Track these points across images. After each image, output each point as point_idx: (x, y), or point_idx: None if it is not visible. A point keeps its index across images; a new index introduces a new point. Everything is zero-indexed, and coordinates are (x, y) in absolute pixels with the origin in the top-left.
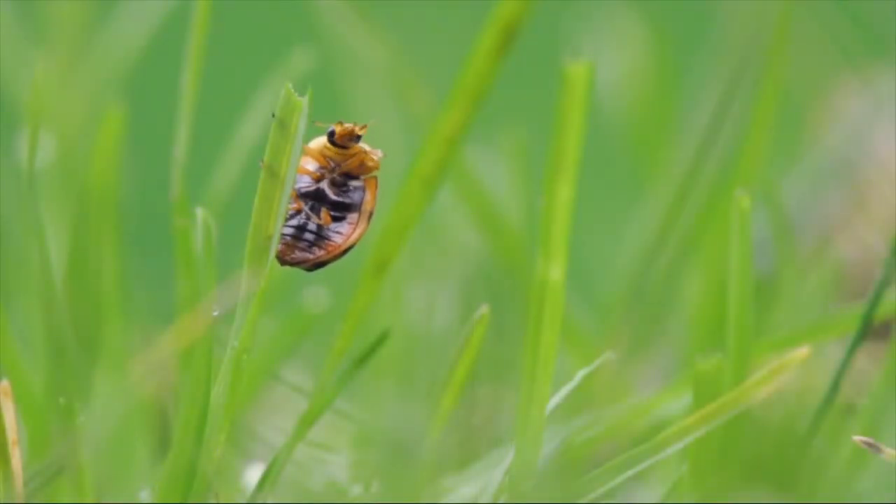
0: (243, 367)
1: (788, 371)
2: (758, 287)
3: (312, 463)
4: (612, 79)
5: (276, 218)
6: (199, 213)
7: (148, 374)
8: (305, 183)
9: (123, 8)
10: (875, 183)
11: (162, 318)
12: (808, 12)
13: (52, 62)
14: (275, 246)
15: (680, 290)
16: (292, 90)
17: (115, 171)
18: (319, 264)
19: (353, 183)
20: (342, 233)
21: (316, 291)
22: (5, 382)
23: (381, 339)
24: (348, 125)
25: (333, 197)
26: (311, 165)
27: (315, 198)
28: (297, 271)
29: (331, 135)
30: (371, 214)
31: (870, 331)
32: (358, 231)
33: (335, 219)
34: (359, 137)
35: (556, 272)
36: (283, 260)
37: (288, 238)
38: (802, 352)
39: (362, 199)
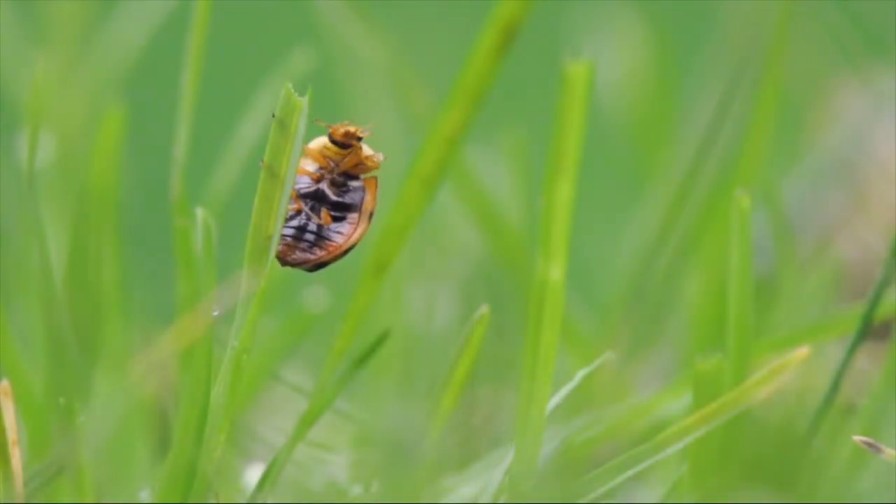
0: (243, 367)
1: (788, 371)
2: (758, 287)
3: (312, 463)
4: (612, 79)
5: (276, 218)
6: (199, 213)
7: (148, 374)
8: (305, 183)
9: (123, 8)
10: (875, 183)
11: (162, 318)
12: (808, 12)
13: (52, 62)
14: (275, 246)
15: (680, 290)
16: (292, 90)
17: (115, 171)
18: (321, 265)
19: (353, 183)
20: (343, 233)
21: (316, 291)
22: (5, 382)
23: (381, 339)
24: (349, 126)
25: (333, 197)
26: (310, 166)
27: (315, 198)
28: (296, 271)
29: (332, 134)
30: (372, 214)
31: (870, 331)
32: (359, 231)
33: (335, 219)
34: (359, 138)
35: (556, 272)
36: (284, 261)
37: (289, 239)
38: (802, 352)
39: (362, 199)
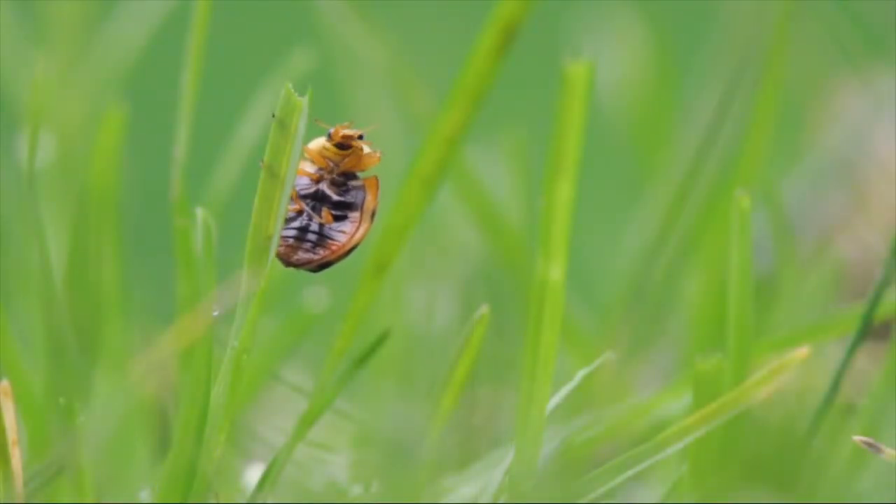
0: (243, 367)
1: (788, 371)
2: (758, 287)
3: (312, 463)
4: (612, 79)
5: (276, 218)
6: (199, 213)
7: (148, 374)
8: (305, 184)
9: (123, 8)
10: (875, 183)
11: (162, 318)
12: (808, 12)
13: (52, 62)
14: (275, 246)
15: (680, 290)
16: (292, 90)
17: (115, 171)
18: (324, 265)
19: (353, 182)
20: (345, 232)
21: (316, 291)
22: (5, 382)
23: (381, 339)
24: (348, 130)
25: (334, 196)
26: (310, 167)
27: (315, 198)
28: (297, 271)
29: (331, 136)
30: (374, 213)
31: (870, 331)
32: (361, 230)
33: (337, 218)
34: (360, 137)
35: (556, 272)
36: (287, 262)
37: (291, 240)
38: (802, 352)
39: (363, 198)
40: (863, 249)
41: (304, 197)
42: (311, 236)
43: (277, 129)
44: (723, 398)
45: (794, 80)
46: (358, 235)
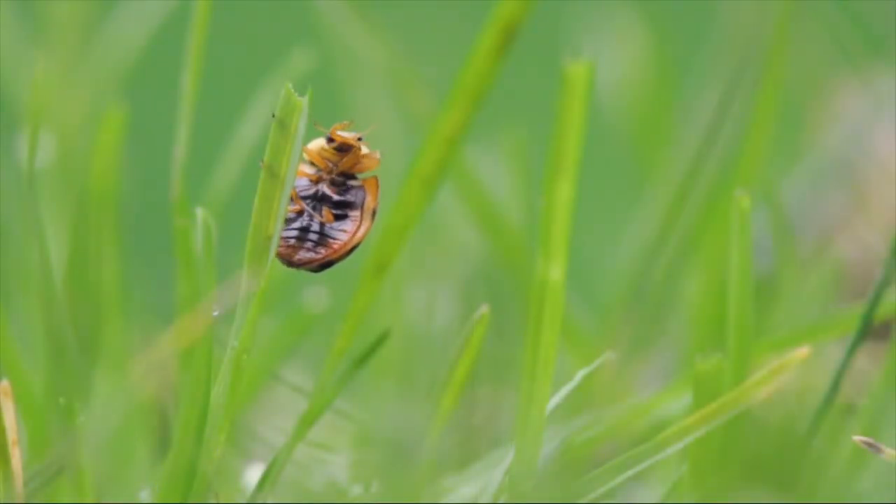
0: (243, 367)
1: (788, 371)
2: (758, 287)
3: (312, 463)
4: (612, 79)
5: (276, 218)
6: (199, 213)
7: (148, 374)
8: (305, 184)
9: (123, 8)
10: (875, 183)
11: (162, 318)
12: (808, 12)
13: (52, 62)
14: (275, 246)
15: (680, 290)
16: (292, 90)
17: (115, 171)
18: (326, 264)
19: (352, 182)
20: (347, 231)
21: (316, 291)
22: (5, 382)
23: (381, 339)
24: (346, 129)
25: (334, 196)
26: (309, 168)
27: (315, 198)
28: (297, 271)
29: (330, 139)
30: (375, 212)
31: (870, 331)
32: (362, 229)
33: (337, 217)
34: (359, 139)
35: (556, 272)
36: (289, 262)
37: (292, 240)
38: (802, 352)
39: (363, 197)
40: (863, 249)
41: (305, 197)
42: (313, 236)
43: (277, 130)
44: (723, 398)
45: (794, 80)
46: (359, 234)
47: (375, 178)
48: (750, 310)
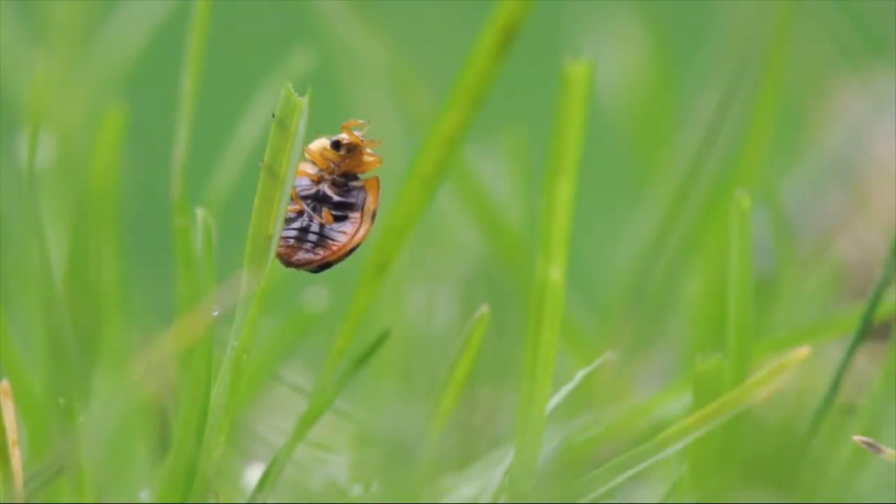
0: (243, 367)
1: (788, 371)
2: (758, 287)
3: (312, 463)
4: (612, 79)
5: (277, 218)
6: (199, 213)
7: (148, 374)
8: (305, 185)
9: (123, 8)
10: (875, 183)
11: (162, 318)
12: (808, 12)
13: (52, 62)
14: (275, 246)
15: (680, 290)
16: (292, 90)
17: (115, 171)
18: (325, 265)
19: (353, 183)
20: (346, 232)
21: (316, 291)
22: (5, 382)
23: (381, 339)
24: (353, 128)
25: (334, 197)
26: (310, 168)
27: (316, 198)
28: (296, 271)
29: (335, 144)
30: (375, 214)
31: (870, 331)
32: (362, 230)
33: (337, 218)
34: (372, 140)
35: (556, 272)
36: (288, 262)
37: (291, 240)
38: (802, 352)
39: (364, 198)
40: (863, 249)
41: (305, 197)
42: (312, 237)
43: (277, 130)
44: (723, 398)
45: (794, 80)
46: (359, 236)
47: (377, 178)
48: (750, 310)
